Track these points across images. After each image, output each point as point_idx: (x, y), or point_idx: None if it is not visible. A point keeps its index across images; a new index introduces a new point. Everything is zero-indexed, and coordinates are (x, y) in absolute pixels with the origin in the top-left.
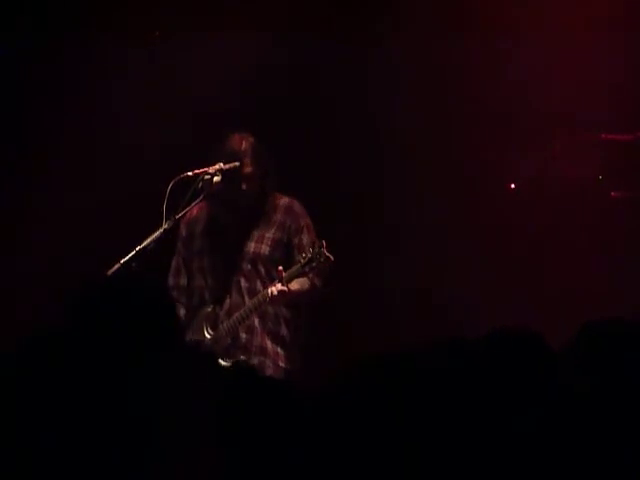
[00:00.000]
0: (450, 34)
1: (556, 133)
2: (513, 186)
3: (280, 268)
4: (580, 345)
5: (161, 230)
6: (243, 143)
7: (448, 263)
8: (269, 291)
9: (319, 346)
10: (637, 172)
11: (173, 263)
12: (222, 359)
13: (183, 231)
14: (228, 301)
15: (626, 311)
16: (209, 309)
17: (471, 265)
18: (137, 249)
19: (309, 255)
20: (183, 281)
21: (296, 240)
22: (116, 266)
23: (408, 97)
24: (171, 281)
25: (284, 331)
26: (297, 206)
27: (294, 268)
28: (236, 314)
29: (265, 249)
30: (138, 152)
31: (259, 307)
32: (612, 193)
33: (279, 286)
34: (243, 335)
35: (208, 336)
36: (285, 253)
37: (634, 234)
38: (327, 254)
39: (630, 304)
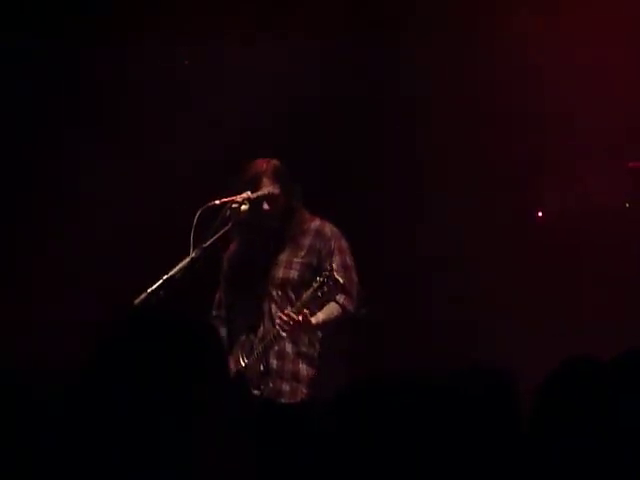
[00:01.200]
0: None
1: (584, 161)
2: (540, 214)
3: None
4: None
5: (188, 259)
6: (265, 167)
7: (476, 292)
8: (278, 317)
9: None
10: None
11: (216, 296)
12: (254, 388)
13: (224, 264)
14: (262, 329)
15: None
16: (244, 337)
17: (498, 294)
18: (164, 278)
19: (320, 279)
20: (223, 313)
21: (327, 264)
22: (143, 295)
23: (437, 125)
24: (214, 313)
25: (317, 355)
26: (328, 228)
27: (306, 294)
28: (264, 342)
29: (294, 274)
30: (169, 174)
31: (278, 335)
32: None
33: (288, 311)
34: (274, 362)
35: (243, 365)
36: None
37: None
38: (336, 277)
39: None
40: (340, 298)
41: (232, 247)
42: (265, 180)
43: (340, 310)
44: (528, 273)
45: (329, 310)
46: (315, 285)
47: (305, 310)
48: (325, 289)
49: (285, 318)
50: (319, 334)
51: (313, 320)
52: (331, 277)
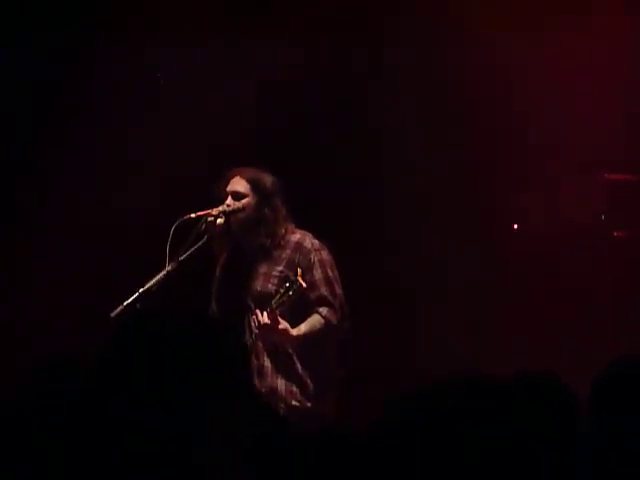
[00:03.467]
0: (454, 53)
1: (559, 173)
2: (516, 227)
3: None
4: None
5: (164, 272)
6: (244, 181)
7: (449, 303)
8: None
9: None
10: None
11: (210, 307)
12: None
13: (215, 275)
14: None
15: (631, 350)
16: None
17: (473, 306)
18: (140, 291)
19: (287, 285)
20: None
21: (307, 277)
22: (119, 308)
23: (411, 132)
24: None
25: (299, 368)
26: (308, 241)
27: (274, 299)
28: None
29: (271, 288)
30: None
31: (255, 343)
32: (615, 233)
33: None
34: (254, 377)
35: None
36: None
37: (637, 274)
38: (301, 281)
39: (635, 343)
40: (323, 310)
41: (221, 259)
42: (236, 180)
43: (323, 322)
44: (507, 282)
45: (312, 322)
46: (282, 290)
47: (278, 317)
48: (290, 293)
49: (257, 320)
50: (297, 349)
51: (294, 332)
52: (296, 281)
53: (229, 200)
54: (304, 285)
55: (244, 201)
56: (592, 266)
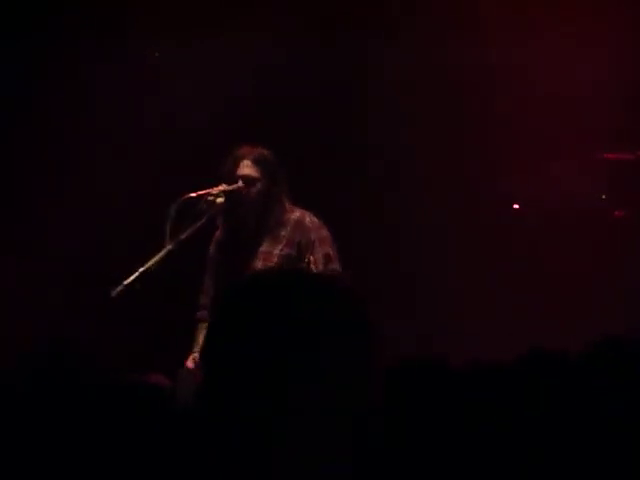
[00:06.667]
0: (453, 43)
1: (559, 152)
2: (516, 206)
3: None
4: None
5: (164, 251)
6: (248, 151)
7: (451, 283)
8: None
9: None
10: None
11: (205, 282)
12: None
13: (211, 250)
14: None
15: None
16: None
17: (475, 285)
18: (140, 270)
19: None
20: (208, 302)
21: (308, 255)
22: (119, 287)
23: (413, 117)
24: (201, 299)
25: None
26: (308, 219)
27: None
28: None
29: (272, 266)
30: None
31: None
32: (615, 212)
33: None
34: None
35: None
36: None
37: (637, 253)
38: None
39: (631, 322)
40: None
41: (218, 233)
42: (245, 163)
43: None
44: (508, 264)
45: None
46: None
47: None
48: None
49: None
50: None
51: None
52: (302, 262)
53: (240, 184)
54: (312, 268)
55: (256, 185)
56: (592, 246)
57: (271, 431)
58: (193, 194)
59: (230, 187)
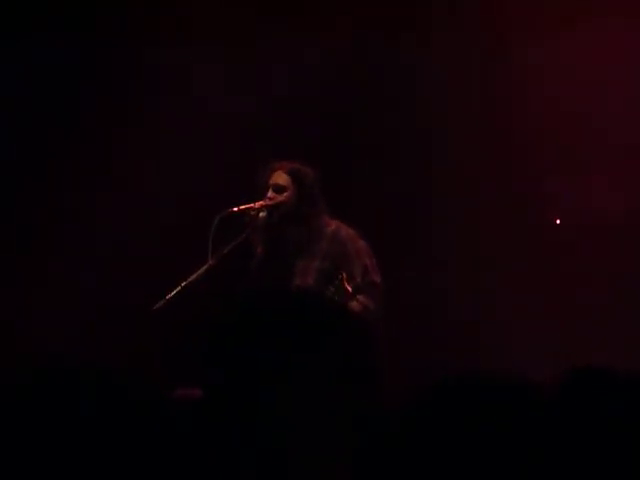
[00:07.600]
0: (493, 62)
1: (601, 164)
2: (559, 222)
3: None
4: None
5: (206, 266)
6: (285, 174)
7: (493, 296)
8: None
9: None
10: None
11: None
12: None
13: (251, 265)
14: None
15: None
16: None
17: (515, 300)
18: (182, 285)
19: (332, 289)
20: None
21: (345, 268)
22: (161, 302)
23: (452, 129)
24: None
25: None
26: (344, 232)
27: None
28: None
29: (310, 281)
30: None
31: None
32: None
33: None
34: None
35: None
36: None
37: None
38: (346, 286)
39: None
40: (360, 297)
41: (257, 254)
42: (278, 174)
43: (360, 308)
44: (541, 274)
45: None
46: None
47: None
48: (336, 298)
49: None
50: None
51: None
52: (340, 286)
53: (270, 193)
54: (349, 290)
55: (285, 194)
56: (625, 261)
57: (272, 431)
58: (235, 209)
59: (272, 202)
